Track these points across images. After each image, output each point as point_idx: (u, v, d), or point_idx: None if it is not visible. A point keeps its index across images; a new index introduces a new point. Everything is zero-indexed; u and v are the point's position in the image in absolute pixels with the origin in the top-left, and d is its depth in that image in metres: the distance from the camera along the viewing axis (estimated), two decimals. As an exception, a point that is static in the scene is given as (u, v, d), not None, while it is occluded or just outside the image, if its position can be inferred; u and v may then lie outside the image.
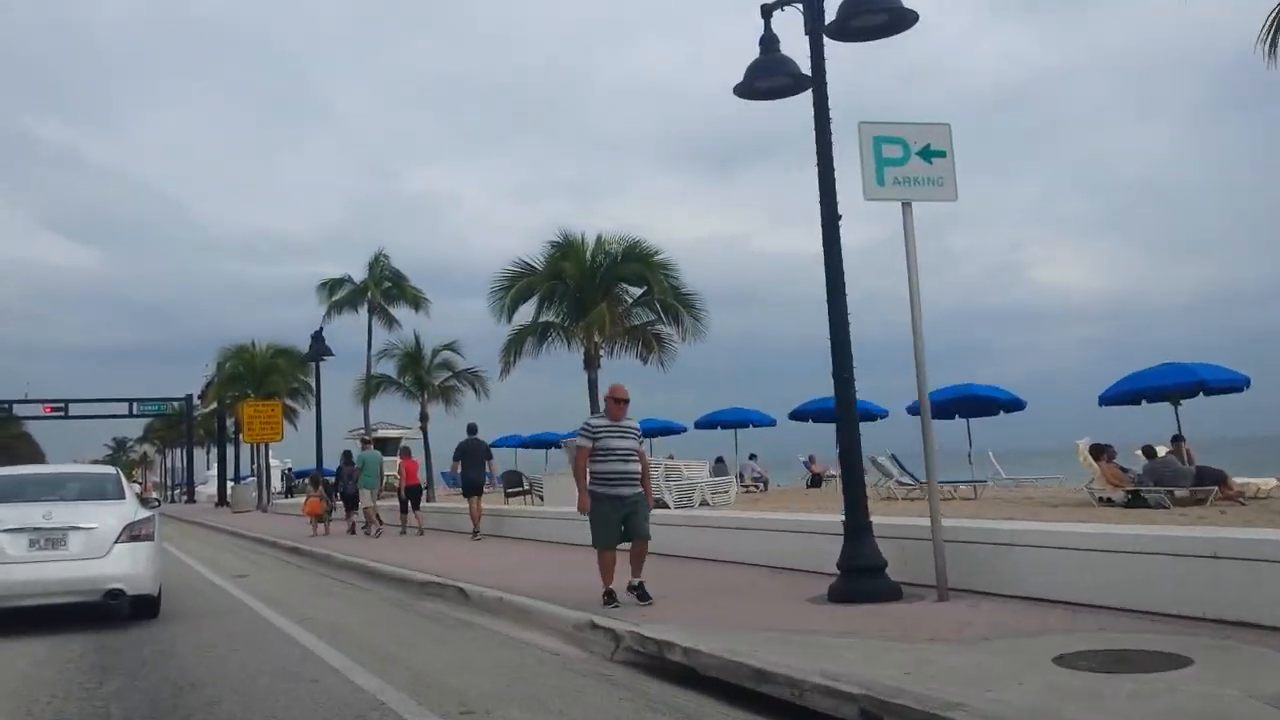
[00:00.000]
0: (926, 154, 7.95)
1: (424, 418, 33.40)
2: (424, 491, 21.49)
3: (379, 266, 41.83)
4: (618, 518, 8.00)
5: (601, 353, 21.70)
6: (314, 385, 27.11)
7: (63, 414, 64.75)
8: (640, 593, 7.99)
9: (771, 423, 27.29)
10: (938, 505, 7.60)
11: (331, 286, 42.48)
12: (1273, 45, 13.51)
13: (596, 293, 21.77)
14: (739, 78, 8.42)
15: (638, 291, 22.49)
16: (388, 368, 34.41)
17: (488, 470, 17.74)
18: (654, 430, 28.41)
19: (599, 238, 22.24)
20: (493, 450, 18.52)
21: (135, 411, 67.81)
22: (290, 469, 51.24)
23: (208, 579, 13.77)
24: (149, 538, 8.66)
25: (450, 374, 34.38)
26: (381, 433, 41.43)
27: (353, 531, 20.88)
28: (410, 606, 9.96)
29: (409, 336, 34.85)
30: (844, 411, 8.01)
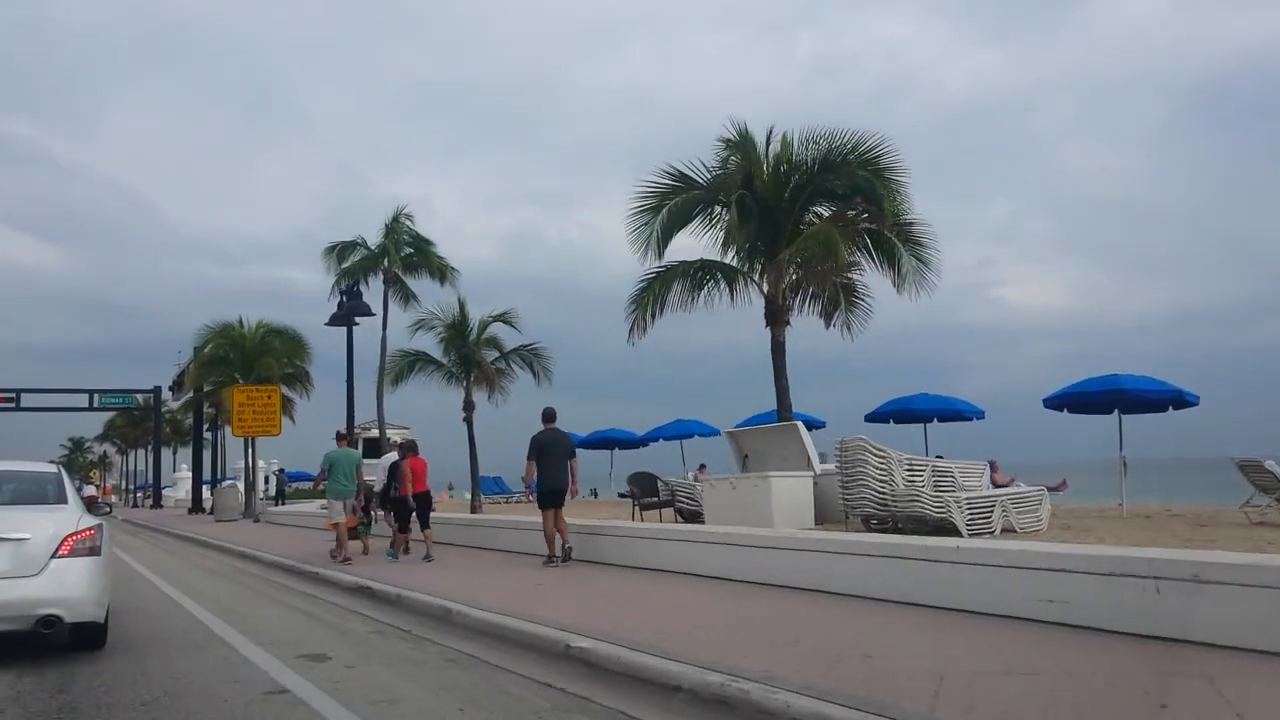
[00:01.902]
0: None
1: (469, 406, 26.56)
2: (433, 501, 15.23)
3: (398, 229, 35.01)
4: None
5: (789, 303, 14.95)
6: (346, 357, 20.17)
7: (13, 405, 56.62)
8: None
9: (980, 415, 20.61)
10: None
11: (341, 252, 35.53)
12: None
13: (788, 214, 15.04)
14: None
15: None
16: (423, 344, 27.49)
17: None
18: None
19: (784, 137, 15.40)
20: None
21: (96, 404, 59.85)
22: (281, 471, 43.77)
23: (263, 671, 6.87)
24: (95, 552, 7.14)
25: (499, 354, 27.52)
26: (377, 433, 34.60)
27: (398, 552, 14.50)
28: None
29: (446, 304, 27.87)
30: None
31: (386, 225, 35.53)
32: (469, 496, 46.82)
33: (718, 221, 15.51)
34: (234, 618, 9.49)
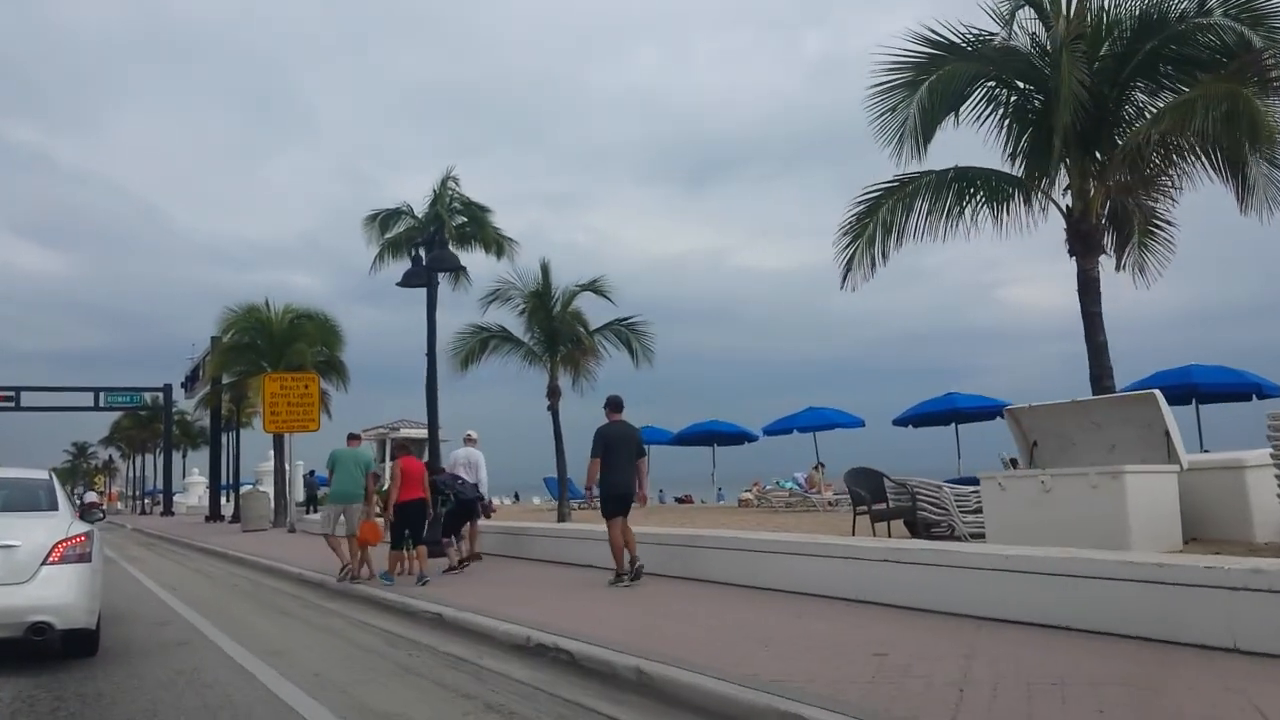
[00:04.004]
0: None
1: (554, 392, 21.93)
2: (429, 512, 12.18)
3: (447, 195, 30.45)
4: None
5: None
6: (427, 329, 15.52)
7: (13, 404, 52.16)
8: None
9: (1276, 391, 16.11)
10: None
11: (384, 221, 31.00)
12: None
13: (1110, 91, 10.45)
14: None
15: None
16: (497, 316, 22.89)
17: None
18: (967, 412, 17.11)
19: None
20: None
21: (101, 404, 55.37)
22: (311, 473, 39.07)
23: None
24: (85, 558, 7.08)
25: (586, 331, 22.86)
26: (405, 432, 30.03)
27: (460, 564, 12.46)
28: None
29: (526, 271, 23.16)
30: None
31: (435, 191, 30.99)
32: (506, 500, 42.22)
33: (976, 110, 10.80)
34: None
